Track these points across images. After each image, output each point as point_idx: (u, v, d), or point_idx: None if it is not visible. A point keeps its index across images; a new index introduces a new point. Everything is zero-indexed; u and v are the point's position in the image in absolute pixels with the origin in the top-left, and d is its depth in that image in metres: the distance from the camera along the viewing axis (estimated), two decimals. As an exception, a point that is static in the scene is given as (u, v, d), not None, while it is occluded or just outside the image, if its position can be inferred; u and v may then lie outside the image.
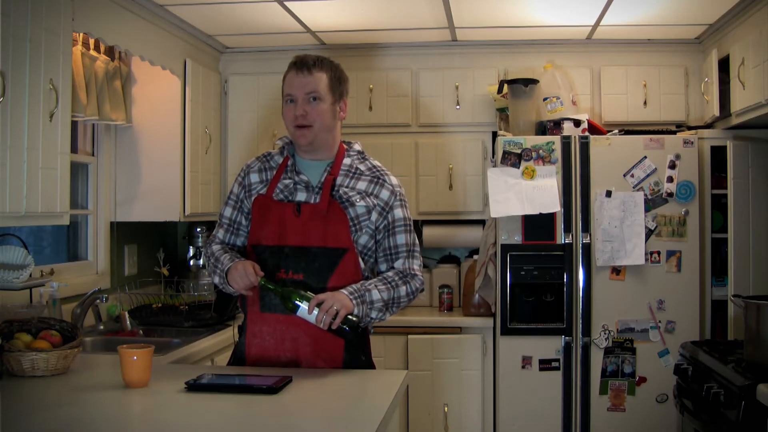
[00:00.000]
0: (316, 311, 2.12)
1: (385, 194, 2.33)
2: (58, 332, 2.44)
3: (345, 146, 2.40)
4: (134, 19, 3.26)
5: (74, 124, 3.26)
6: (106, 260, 3.64)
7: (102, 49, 3.33)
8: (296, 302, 2.14)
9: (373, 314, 2.23)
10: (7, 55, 2.25)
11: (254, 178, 2.39)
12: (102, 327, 3.34)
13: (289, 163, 2.35)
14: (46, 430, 1.73)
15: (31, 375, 2.24)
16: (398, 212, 2.35)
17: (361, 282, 2.25)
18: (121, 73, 3.52)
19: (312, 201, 2.29)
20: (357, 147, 2.42)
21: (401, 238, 2.34)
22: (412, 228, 2.39)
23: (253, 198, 2.35)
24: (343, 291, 2.18)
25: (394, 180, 2.39)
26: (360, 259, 2.30)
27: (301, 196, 2.30)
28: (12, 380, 2.22)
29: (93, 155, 3.60)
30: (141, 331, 3.33)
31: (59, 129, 2.53)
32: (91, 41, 3.23)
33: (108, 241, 3.65)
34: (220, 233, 2.43)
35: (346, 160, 2.36)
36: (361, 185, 2.33)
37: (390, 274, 2.32)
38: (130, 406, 1.95)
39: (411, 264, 2.36)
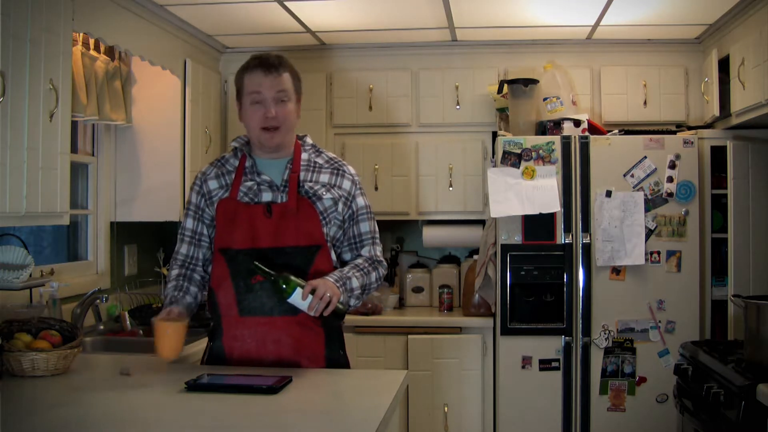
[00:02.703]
0: (309, 298, 2.11)
1: (346, 184, 2.36)
2: (58, 332, 2.44)
3: (299, 141, 2.40)
4: (134, 19, 3.26)
5: (74, 124, 3.26)
6: (106, 260, 3.64)
7: (102, 49, 3.33)
8: (291, 287, 2.11)
9: (352, 302, 2.26)
10: (7, 55, 2.25)
11: (213, 184, 2.34)
12: (102, 327, 3.33)
13: (248, 164, 2.32)
14: (46, 430, 1.73)
15: (31, 375, 2.24)
16: (360, 200, 2.39)
17: (340, 270, 2.26)
18: (121, 73, 3.52)
19: (279, 200, 2.27)
20: (309, 140, 2.44)
21: (365, 226, 2.39)
22: (373, 215, 2.43)
23: (215, 204, 2.31)
24: (329, 278, 2.18)
25: (351, 169, 2.42)
26: (332, 252, 2.31)
27: (266, 197, 2.28)
28: (12, 380, 2.22)
29: (93, 155, 3.60)
30: (141, 331, 3.33)
31: (59, 129, 2.53)
32: (91, 41, 3.23)
33: (108, 241, 3.65)
34: (183, 249, 2.38)
35: (304, 155, 2.37)
36: (324, 178, 2.34)
37: (360, 261, 2.34)
38: (130, 406, 1.95)
39: (375, 251, 2.40)
